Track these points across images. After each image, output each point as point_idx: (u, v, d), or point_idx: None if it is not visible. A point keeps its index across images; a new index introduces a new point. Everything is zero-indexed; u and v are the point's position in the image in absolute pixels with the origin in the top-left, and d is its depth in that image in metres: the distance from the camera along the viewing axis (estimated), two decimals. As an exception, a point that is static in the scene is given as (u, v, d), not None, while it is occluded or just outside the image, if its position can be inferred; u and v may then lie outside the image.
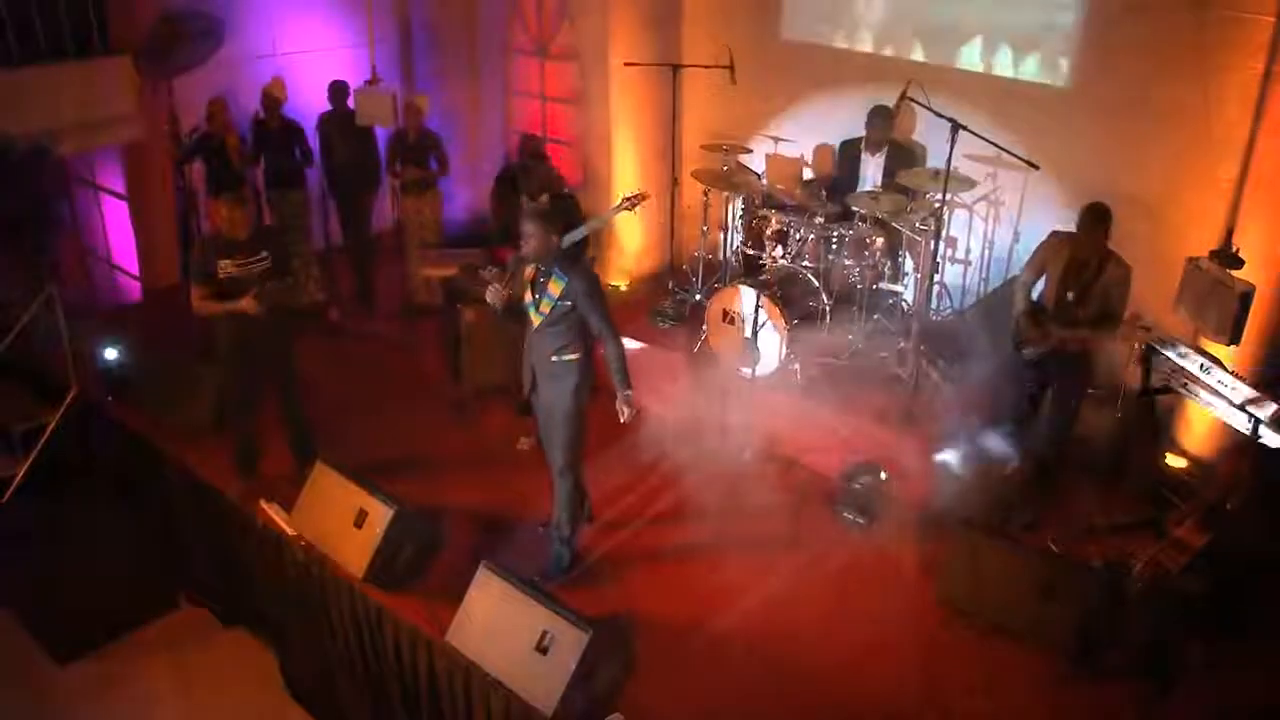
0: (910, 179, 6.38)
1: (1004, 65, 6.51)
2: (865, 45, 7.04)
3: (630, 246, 7.95)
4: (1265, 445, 4.77)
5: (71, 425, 6.45)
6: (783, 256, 6.56)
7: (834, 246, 6.40)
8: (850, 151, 6.88)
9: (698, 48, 7.48)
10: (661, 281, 7.74)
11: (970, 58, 6.59)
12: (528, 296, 4.80)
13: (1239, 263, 5.28)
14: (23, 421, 6.45)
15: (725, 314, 6.44)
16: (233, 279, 5.23)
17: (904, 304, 6.79)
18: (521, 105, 9.20)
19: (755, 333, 6.13)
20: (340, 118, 7.62)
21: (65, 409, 6.43)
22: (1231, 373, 4.96)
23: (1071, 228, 5.18)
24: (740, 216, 7.05)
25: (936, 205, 5.97)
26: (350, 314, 7.91)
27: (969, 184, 6.42)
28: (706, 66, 6.99)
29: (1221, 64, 5.56)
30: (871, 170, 6.78)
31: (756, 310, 6.08)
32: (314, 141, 7.67)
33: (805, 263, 6.45)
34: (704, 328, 6.67)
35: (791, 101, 7.49)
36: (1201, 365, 5.00)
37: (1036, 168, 5.77)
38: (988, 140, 5.71)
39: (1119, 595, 4.65)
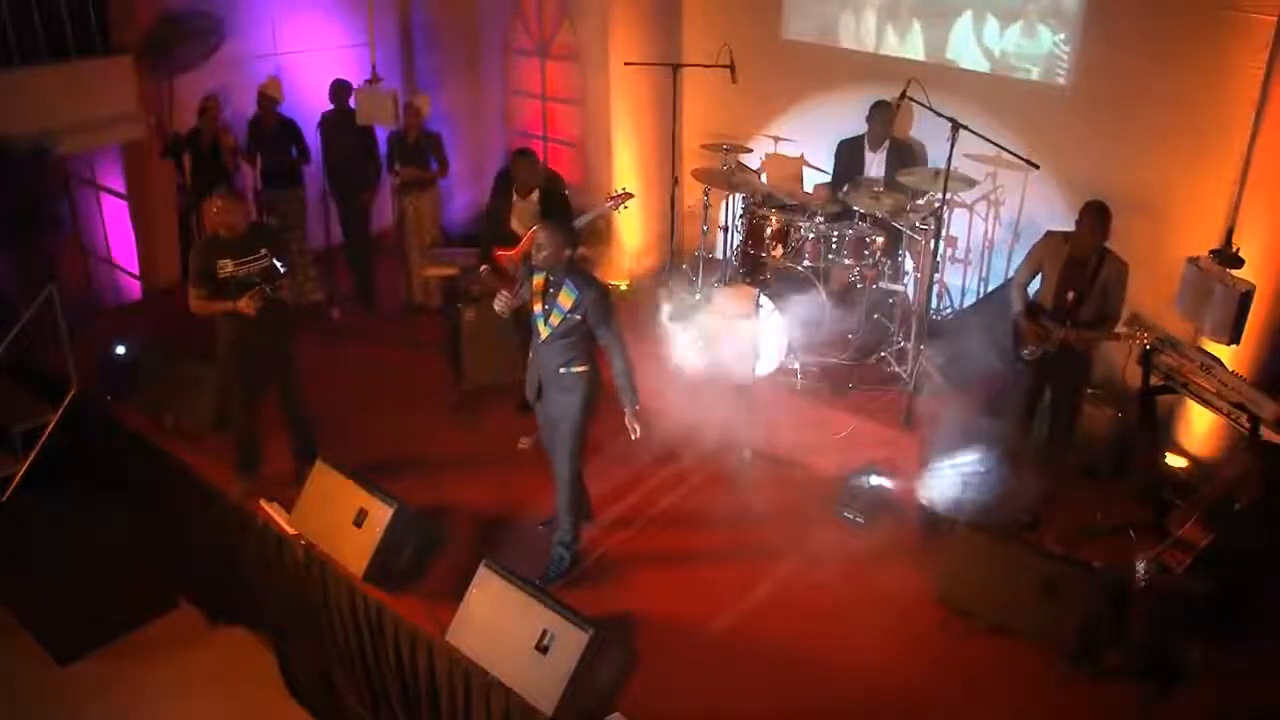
0: (910, 178, 6.37)
1: (1003, 62, 6.51)
2: (867, 33, 7.06)
3: (630, 246, 7.95)
4: (1273, 444, 4.77)
5: (71, 425, 6.45)
6: (783, 256, 6.56)
7: (834, 246, 6.40)
8: (851, 149, 6.87)
9: (698, 47, 7.47)
10: (661, 281, 7.73)
11: (969, 48, 6.60)
12: (536, 307, 4.75)
13: (1239, 262, 5.27)
14: (22, 421, 6.44)
15: (725, 314, 6.43)
16: (232, 279, 5.22)
17: (904, 303, 6.78)
18: (521, 105, 9.21)
19: (755, 333, 6.12)
20: (341, 117, 7.60)
21: (65, 409, 6.43)
22: (1231, 373, 4.96)
23: (1071, 227, 5.18)
24: (740, 216, 7.05)
25: (936, 204, 5.97)
26: (350, 313, 7.91)
27: (969, 183, 6.42)
28: (706, 66, 6.98)
29: (1222, 63, 5.57)
30: (875, 169, 6.78)
31: (756, 310, 6.05)
32: (314, 141, 7.65)
33: (805, 262, 6.45)
34: (704, 328, 6.66)
35: (792, 101, 7.49)
36: (1202, 365, 5.00)
37: (1036, 167, 5.77)
38: (988, 140, 5.70)
39: (1120, 595, 4.64)
